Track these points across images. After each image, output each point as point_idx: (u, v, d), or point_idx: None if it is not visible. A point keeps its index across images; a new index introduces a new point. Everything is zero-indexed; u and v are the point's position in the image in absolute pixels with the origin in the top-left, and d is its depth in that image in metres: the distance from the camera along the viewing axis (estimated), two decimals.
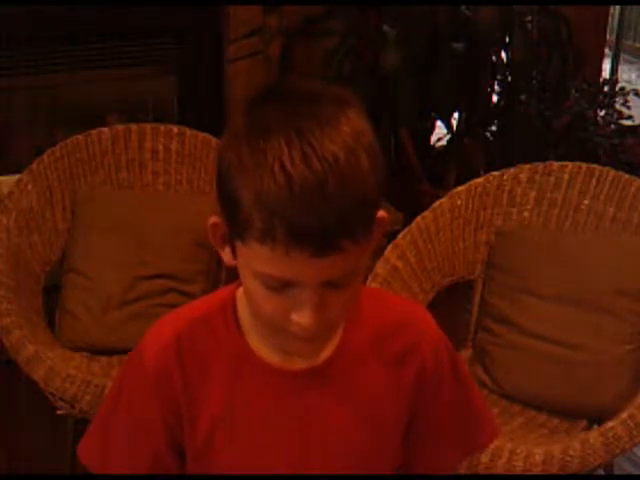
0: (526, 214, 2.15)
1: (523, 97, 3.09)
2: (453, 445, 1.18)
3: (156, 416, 1.07)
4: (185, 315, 1.10)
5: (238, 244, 0.94)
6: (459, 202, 2.11)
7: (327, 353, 1.06)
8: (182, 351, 1.06)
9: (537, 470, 1.67)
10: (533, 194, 2.14)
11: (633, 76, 5.75)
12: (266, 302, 0.95)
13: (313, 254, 0.89)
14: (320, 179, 0.87)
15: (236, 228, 0.93)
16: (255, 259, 0.92)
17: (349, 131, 0.90)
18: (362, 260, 0.95)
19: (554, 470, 1.67)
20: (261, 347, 1.05)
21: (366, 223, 0.92)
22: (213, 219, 0.99)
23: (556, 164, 2.15)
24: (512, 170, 2.15)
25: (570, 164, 2.13)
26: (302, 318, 0.94)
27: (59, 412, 1.95)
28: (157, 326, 1.10)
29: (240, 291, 1.06)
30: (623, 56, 4.67)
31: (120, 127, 2.31)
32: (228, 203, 0.92)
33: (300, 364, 1.06)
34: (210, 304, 1.10)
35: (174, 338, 1.07)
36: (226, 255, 1.00)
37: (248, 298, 1.00)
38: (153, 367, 1.06)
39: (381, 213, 0.97)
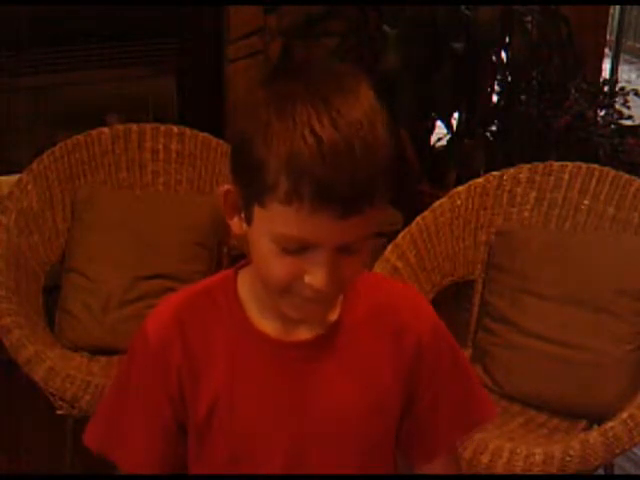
0: (526, 214, 2.15)
1: (523, 97, 3.09)
2: (453, 422, 1.19)
3: (160, 391, 1.10)
4: (186, 292, 1.14)
5: (256, 209, 0.97)
6: (459, 202, 2.12)
7: (325, 326, 1.09)
8: (183, 325, 1.09)
9: (537, 470, 1.67)
10: (533, 194, 2.14)
11: (633, 76, 5.76)
12: (280, 265, 0.97)
13: (339, 216, 0.92)
14: (348, 142, 0.91)
15: (257, 192, 0.95)
16: (276, 222, 0.95)
17: (367, 102, 0.96)
18: (374, 226, 0.98)
19: (554, 470, 1.67)
20: (261, 320, 1.08)
21: (384, 190, 0.97)
22: (226, 186, 1.01)
23: (556, 164, 2.15)
24: (512, 170, 2.15)
25: (570, 164, 2.13)
26: (317, 280, 0.97)
27: (59, 412, 1.95)
28: (159, 305, 1.13)
29: (241, 271, 1.10)
30: (623, 56, 4.67)
31: (120, 127, 2.31)
32: (249, 169, 0.95)
33: (298, 336, 1.08)
34: (211, 282, 1.14)
35: (175, 313, 1.10)
36: (235, 224, 1.03)
37: (259, 264, 1.01)
38: (155, 342, 1.09)
39: None
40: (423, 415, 1.16)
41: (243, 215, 1.01)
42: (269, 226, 0.96)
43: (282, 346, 1.08)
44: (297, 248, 0.96)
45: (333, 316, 1.09)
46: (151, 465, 1.14)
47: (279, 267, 0.98)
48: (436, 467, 1.21)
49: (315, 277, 0.97)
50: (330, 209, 0.92)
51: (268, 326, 1.08)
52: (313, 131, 0.91)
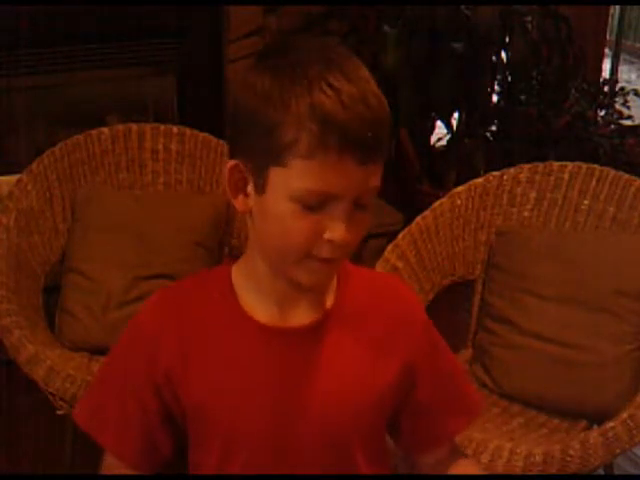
0: (526, 214, 2.15)
1: (523, 97, 3.09)
2: (451, 410, 1.22)
3: (146, 381, 1.12)
4: (179, 285, 1.18)
5: (273, 172, 1.00)
6: (459, 202, 2.11)
7: (321, 312, 1.11)
8: (176, 317, 1.12)
9: (537, 470, 1.67)
10: (533, 194, 2.14)
11: (633, 76, 5.76)
12: (300, 225, 1.00)
13: (360, 162, 0.98)
14: (363, 93, 0.98)
15: (273, 154, 0.99)
16: (297, 178, 0.98)
17: (365, 67, 1.03)
18: (380, 180, 1.03)
19: (554, 470, 1.67)
20: (256, 308, 1.10)
21: (389, 142, 1.03)
22: (231, 162, 1.04)
23: (556, 164, 2.15)
24: (512, 170, 2.15)
25: (570, 164, 2.13)
26: (336, 233, 1.01)
27: (59, 412, 1.95)
28: (154, 295, 1.17)
29: (236, 264, 1.13)
30: (623, 56, 4.67)
31: (120, 127, 2.31)
32: (262, 133, 0.99)
33: (294, 322, 1.11)
34: (205, 274, 1.18)
35: (168, 305, 1.14)
36: (239, 202, 1.06)
37: (277, 231, 1.03)
38: (147, 331, 1.13)
39: None
40: (422, 404, 1.18)
41: (251, 188, 1.03)
42: (289, 184, 0.99)
43: (277, 332, 1.10)
44: (317, 203, 0.99)
45: (328, 303, 1.12)
46: (125, 451, 1.15)
47: (299, 227, 1.00)
48: (439, 456, 1.23)
49: (334, 231, 1.00)
50: (354, 155, 0.97)
51: (263, 314, 1.10)
52: (330, 85, 0.97)
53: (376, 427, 1.17)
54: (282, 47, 1.04)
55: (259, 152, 1.00)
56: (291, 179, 0.99)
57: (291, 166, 0.98)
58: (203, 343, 1.11)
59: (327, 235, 1.01)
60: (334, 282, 1.13)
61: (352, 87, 0.98)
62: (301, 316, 1.11)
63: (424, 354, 1.16)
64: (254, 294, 1.10)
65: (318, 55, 1.00)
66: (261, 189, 1.02)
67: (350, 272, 1.14)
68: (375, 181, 1.02)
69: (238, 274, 1.12)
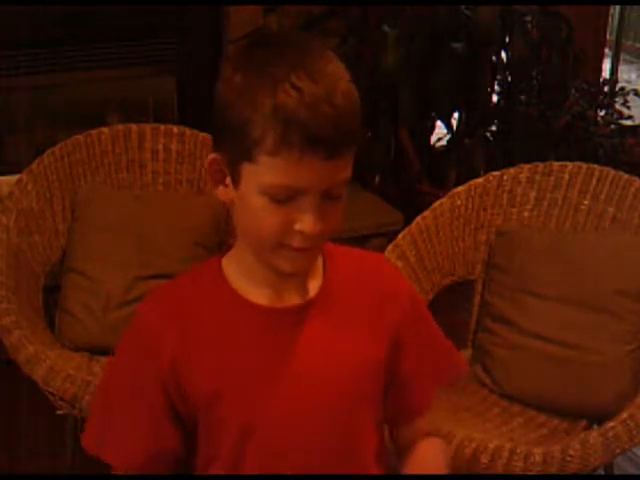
0: (526, 214, 2.15)
1: (523, 97, 3.09)
2: (434, 381, 1.25)
3: (152, 379, 1.12)
4: (174, 280, 1.22)
5: (244, 167, 1.04)
6: (459, 202, 2.11)
7: (313, 291, 1.15)
8: (175, 308, 1.15)
9: (537, 470, 1.67)
10: (533, 194, 2.14)
11: (633, 76, 5.76)
12: (271, 217, 1.04)
13: (324, 158, 1.01)
14: (327, 91, 1.00)
15: (244, 150, 1.02)
16: (265, 173, 1.02)
17: (337, 61, 1.06)
18: (350, 171, 1.06)
19: (554, 470, 1.67)
20: (250, 292, 1.13)
21: (357, 136, 1.05)
22: (211, 155, 1.09)
23: (556, 164, 2.15)
24: (512, 170, 2.15)
25: (570, 164, 2.13)
26: (306, 225, 1.04)
27: (59, 412, 1.95)
28: (148, 295, 1.21)
29: (226, 255, 1.17)
30: (623, 56, 4.67)
31: (120, 127, 2.31)
32: (235, 128, 1.03)
33: (288, 302, 1.14)
34: (195, 269, 1.22)
35: (166, 299, 1.17)
36: (220, 192, 1.10)
37: (251, 222, 1.07)
38: (147, 328, 1.15)
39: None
40: (405, 374, 1.21)
41: (229, 180, 1.07)
42: (258, 179, 1.03)
43: (272, 312, 1.13)
44: (286, 197, 1.03)
45: (317, 282, 1.16)
46: (137, 458, 1.15)
47: (270, 219, 1.04)
48: (418, 427, 1.25)
49: (304, 223, 1.04)
50: (317, 152, 1.00)
51: (258, 296, 1.13)
52: (293, 85, 0.99)
53: (376, 396, 1.19)
54: (259, 43, 1.07)
55: (232, 148, 1.05)
56: (260, 174, 1.03)
57: (259, 162, 1.02)
58: (202, 330, 1.13)
59: (297, 226, 1.04)
60: (320, 263, 1.17)
61: (316, 87, 1.00)
62: (293, 297, 1.14)
63: (409, 325, 1.20)
64: (245, 279, 1.14)
65: (289, 53, 1.03)
66: (236, 184, 1.06)
67: (335, 253, 1.18)
68: (344, 173, 1.05)
69: (228, 263, 1.16)
